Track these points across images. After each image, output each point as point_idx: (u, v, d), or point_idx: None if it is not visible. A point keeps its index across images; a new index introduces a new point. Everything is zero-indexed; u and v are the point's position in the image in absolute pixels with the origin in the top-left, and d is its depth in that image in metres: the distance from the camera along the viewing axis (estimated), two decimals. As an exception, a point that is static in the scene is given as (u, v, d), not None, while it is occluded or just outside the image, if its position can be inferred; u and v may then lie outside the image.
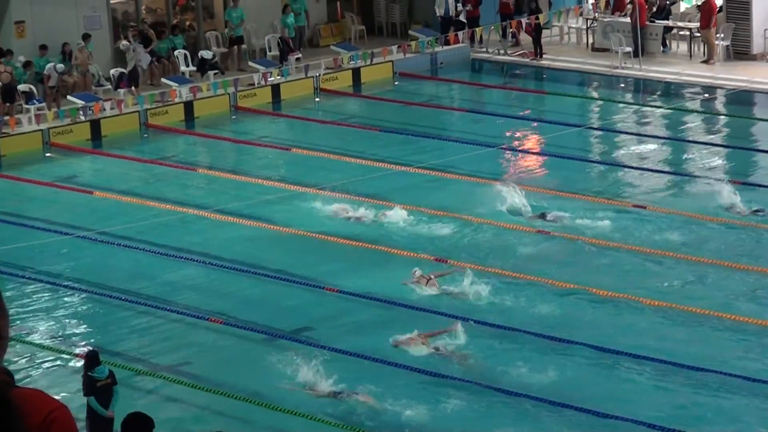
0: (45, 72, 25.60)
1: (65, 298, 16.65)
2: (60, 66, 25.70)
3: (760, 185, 20.25)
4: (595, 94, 27.64)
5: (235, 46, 28.77)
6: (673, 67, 27.88)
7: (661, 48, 28.90)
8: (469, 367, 14.25)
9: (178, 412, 13.58)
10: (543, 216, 18.94)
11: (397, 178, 21.06)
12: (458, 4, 30.30)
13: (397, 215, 19.09)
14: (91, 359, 12.80)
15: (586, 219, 18.83)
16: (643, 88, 27.41)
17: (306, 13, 29.74)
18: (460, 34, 29.60)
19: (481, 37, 29.63)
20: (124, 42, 27.27)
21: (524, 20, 29.11)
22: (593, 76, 28.27)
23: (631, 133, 24.19)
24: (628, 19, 28.91)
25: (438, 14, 30.15)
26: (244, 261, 17.70)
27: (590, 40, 29.95)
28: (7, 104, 24.66)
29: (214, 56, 28.05)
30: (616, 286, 16.33)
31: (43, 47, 26.04)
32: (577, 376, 14.05)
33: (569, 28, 30.87)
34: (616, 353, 14.42)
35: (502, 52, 29.95)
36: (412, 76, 28.48)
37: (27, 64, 25.57)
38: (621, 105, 26.47)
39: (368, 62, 28.17)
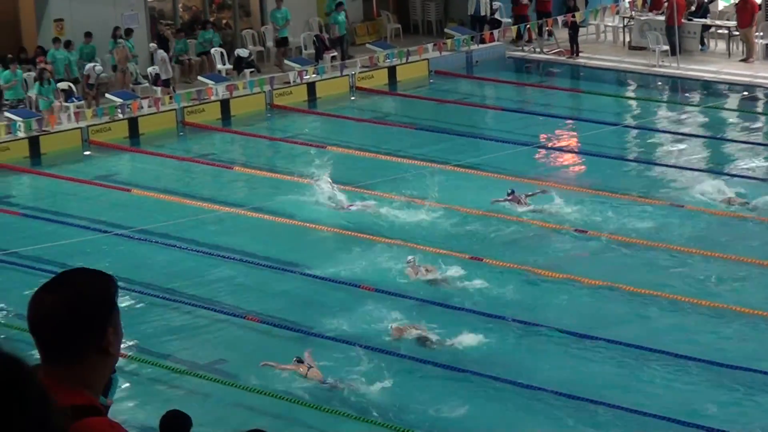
0: (85, 72, 25.82)
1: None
2: (99, 68, 25.84)
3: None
4: (631, 93, 27.55)
5: (281, 47, 28.70)
6: (712, 66, 27.72)
7: (700, 46, 28.75)
8: (461, 355, 14.41)
9: (216, 410, 13.65)
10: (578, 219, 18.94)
11: (432, 175, 21.06)
12: (492, 3, 30.28)
13: (432, 213, 19.12)
14: None
15: (622, 217, 18.78)
16: (680, 86, 27.28)
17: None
18: (496, 32, 29.56)
19: (521, 34, 29.51)
20: (152, 44, 27.42)
21: (561, 18, 29.04)
22: (630, 75, 28.17)
23: (669, 132, 24.09)
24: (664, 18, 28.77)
25: (468, 13, 30.13)
26: (281, 259, 17.78)
27: (627, 39, 29.83)
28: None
29: (250, 54, 28.17)
30: (650, 283, 16.28)
31: (88, 35, 26.17)
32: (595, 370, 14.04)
33: (606, 26, 30.76)
34: (652, 351, 14.39)
35: (538, 50, 29.89)
36: (448, 75, 28.49)
37: (68, 44, 25.64)
38: (658, 103, 26.37)
39: (404, 60, 28.19)
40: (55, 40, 25.71)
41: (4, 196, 21.47)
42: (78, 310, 2.73)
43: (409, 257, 16.98)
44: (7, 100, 24.83)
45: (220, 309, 16.15)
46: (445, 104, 26.55)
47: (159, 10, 29.52)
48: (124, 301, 16.62)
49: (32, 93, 24.86)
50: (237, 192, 21.14)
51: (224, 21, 29.60)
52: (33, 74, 25.20)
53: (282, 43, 28.81)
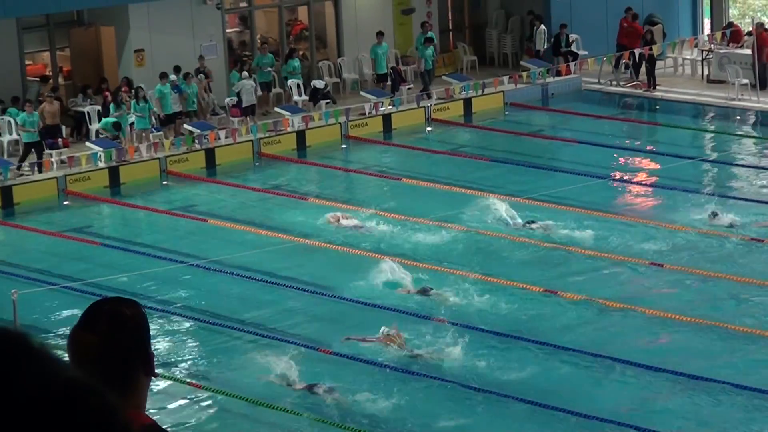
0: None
1: (177, 326, 16.91)
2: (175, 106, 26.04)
3: None
4: (710, 126, 27.25)
5: (381, 83, 28.73)
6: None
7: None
8: (440, 364, 14.87)
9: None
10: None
11: (509, 208, 20.99)
12: (569, 36, 30.20)
13: (507, 246, 19.07)
14: None
15: (697, 250, 18.59)
16: (761, 120, 26.92)
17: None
18: (572, 64, 29.46)
19: (620, 63, 29.38)
20: (243, 73, 27.64)
21: (638, 51, 28.87)
22: (708, 108, 27.87)
23: (747, 166, 23.78)
24: (745, 51, 28.46)
25: (536, 48, 30.08)
26: (359, 291, 17.80)
27: (705, 72, 29.54)
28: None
29: (326, 86, 28.36)
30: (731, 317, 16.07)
31: (177, 69, 26.38)
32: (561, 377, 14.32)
33: (684, 59, 30.50)
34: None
35: (614, 83, 29.72)
36: (523, 107, 28.43)
37: (163, 75, 25.81)
38: (737, 137, 26.04)
39: (479, 92, 28.20)
40: (163, 75, 25.81)
41: (85, 225, 21.80)
42: (122, 344, 2.79)
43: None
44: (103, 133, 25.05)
45: (294, 340, 16.18)
46: (521, 136, 26.48)
47: (238, 41, 29.89)
48: (196, 332, 16.74)
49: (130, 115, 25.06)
50: (311, 223, 21.22)
51: (301, 52, 29.87)
52: (98, 107, 25.59)
53: (381, 78, 28.84)
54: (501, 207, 20.57)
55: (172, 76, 25.95)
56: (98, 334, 2.78)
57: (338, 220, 20.70)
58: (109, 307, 2.86)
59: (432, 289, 17.51)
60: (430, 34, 29.39)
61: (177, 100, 25.92)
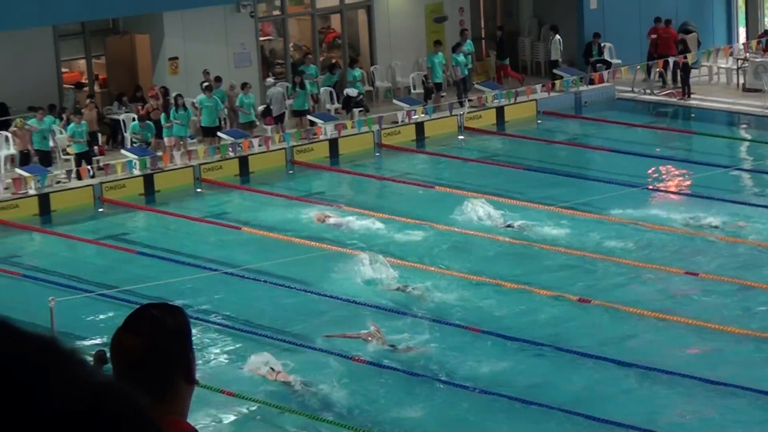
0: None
1: (209, 334, 16.95)
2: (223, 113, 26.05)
3: None
4: (745, 135, 27.10)
5: (438, 92, 28.54)
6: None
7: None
8: (421, 360, 15.35)
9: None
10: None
11: (539, 217, 20.97)
12: (601, 45, 30.13)
13: (539, 254, 19.07)
14: (99, 359, 12.97)
15: (731, 259, 18.52)
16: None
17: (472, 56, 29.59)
18: (605, 73, 29.38)
19: (655, 73, 29.30)
20: (269, 79, 27.79)
21: (672, 59, 28.76)
22: (743, 117, 27.72)
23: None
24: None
25: (551, 58, 29.99)
26: (392, 299, 17.81)
27: (741, 81, 29.39)
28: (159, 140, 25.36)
29: (359, 94, 28.39)
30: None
31: (218, 79, 26.32)
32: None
33: (719, 68, 30.35)
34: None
35: (648, 91, 29.62)
36: (556, 115, 28.38)
37: (208, 88, 25.83)
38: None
39: (512, 101, 28.17)
40: (207, 88, 25.78)
41: (121, 233, 21.92)
42: (164, 348, 2.81)
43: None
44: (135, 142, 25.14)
45: (327, 349, 16.21)
46: (553, 145, 26.43)
47: (270, 49, 29.99)
48: (229, 340, 16.79)
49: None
50: (344, 231, 21.23)
51: (333, 60, 29.94)
52: (133, 114, 25.72)
53: (438, 87, 28.73)
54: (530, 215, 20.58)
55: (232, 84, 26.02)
56: (140, 337, 2.80)
57: (324, 219, 21.07)
58: (154, 311, 2.87)
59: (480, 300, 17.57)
60: (468, 42, 29.35)
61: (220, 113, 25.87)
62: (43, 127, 24.16)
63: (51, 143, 24.35)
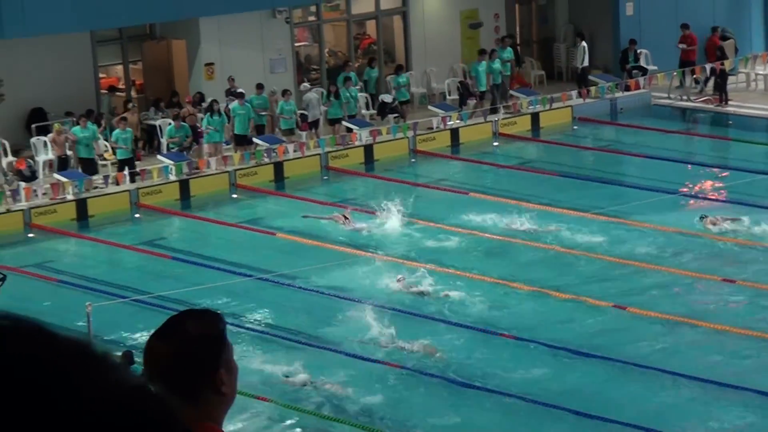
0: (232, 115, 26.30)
1: (243, 340, 16.99)
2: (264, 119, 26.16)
3: None
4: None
5: (481, 100, 28.50)
6: None
7: None
8: (439, 361, 15.45)
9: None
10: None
11: (574, 223, 20.90)
12: (637, 51, 29.99)
13: (574, 261, 19.02)
14: (127, 359, 12.98)
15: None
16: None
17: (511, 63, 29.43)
18: (641, 79, 29.27)
19: (696, 79, 29.17)
20: (305, 84, 27.87)
21: (709, 66, 28.61)
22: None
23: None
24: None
25: (577, 65, 29.85)
26: (426, 304, 17.80)
27: (778, 87, 29.20)
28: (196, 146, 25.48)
29: (394, 100, 28.41)
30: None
31: (260, 86, 26.44)
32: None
33: (756, 74, 30.15)
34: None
35: (685, 98, 29.47)
36: (592, 121, 28.28)
37: (241, 95, 25.78)
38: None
39: (547, 107, 28.11)
40: (240, 95, 25.83)
41: (157, 238, 22.04)
42: (190, 357, 2.80)
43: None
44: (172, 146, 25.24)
45: (360, 354, 16.22)
46: (589, 151, 26.34)
47: (306, 54, 30.08)
48: (262, 345, 16.83)
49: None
50: (378, 237, 21.25)
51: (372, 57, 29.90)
52: (169, 120, 25.82)
53: (482, 96, 28.50)
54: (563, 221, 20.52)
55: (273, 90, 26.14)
56: (167, 345, 2.81)
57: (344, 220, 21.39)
58: (187, 319, 2.87)
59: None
60: (508, 49, 29.25)
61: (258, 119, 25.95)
62: (86, 135, 24.28)
63: (95, 151, 24.49)
